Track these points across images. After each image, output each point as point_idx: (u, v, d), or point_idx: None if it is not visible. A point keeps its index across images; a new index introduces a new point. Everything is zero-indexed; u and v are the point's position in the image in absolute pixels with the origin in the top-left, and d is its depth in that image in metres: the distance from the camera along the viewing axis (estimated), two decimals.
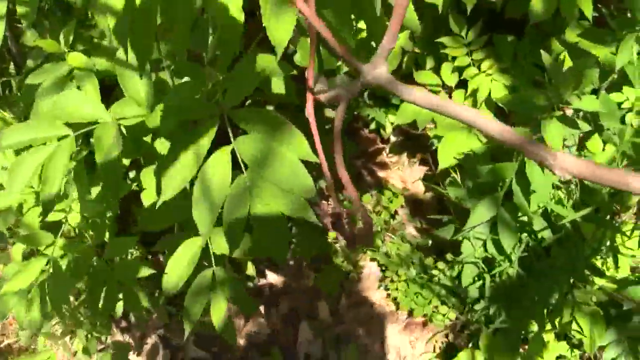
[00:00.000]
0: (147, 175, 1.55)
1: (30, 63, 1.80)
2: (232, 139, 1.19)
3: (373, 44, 1.27)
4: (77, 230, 1.64)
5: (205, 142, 1.18)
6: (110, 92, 1.63)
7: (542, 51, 1.55)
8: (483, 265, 1.86)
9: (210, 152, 1.19)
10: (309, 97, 1.00)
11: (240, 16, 1.06)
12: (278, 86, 1.46)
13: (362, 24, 1.25)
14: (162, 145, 1.51)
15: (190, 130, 1.26)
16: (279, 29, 1.08)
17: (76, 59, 1.56)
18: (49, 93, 1.57)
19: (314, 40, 0.95)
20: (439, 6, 1.63)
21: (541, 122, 1.49)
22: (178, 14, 1.05)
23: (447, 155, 1.93)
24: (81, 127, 1.33)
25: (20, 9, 1.58)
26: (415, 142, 2.39)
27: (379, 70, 0.73)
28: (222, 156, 1.18)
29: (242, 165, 1.18)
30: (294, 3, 0.73)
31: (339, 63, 1.54)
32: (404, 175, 2.42)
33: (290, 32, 1.08)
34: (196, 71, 1.34)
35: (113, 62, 1.47)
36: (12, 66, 2.16)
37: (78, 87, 1.57)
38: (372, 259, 2.28)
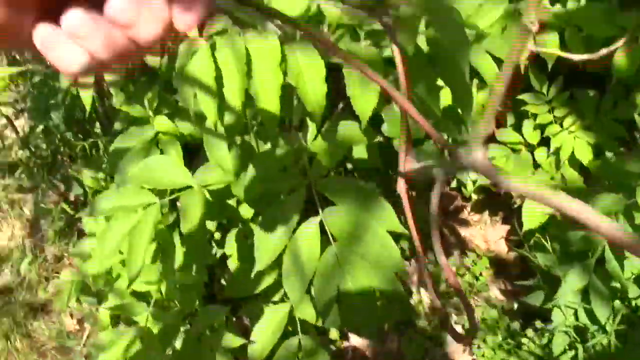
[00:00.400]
0: (232, 240, 1.55)
1: (117, 125, 1.84)
2: (319, 210, 1.19)
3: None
4: (166, 297, 1.65)
5: (295, 214, 1.18)
6: (192, 153, 1.65)
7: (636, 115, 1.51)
8: (575, 335, 1.79)
9: (298, 222, 1.19)
10: (401, 175, 0.99)
11: (324, 87, 1.06)
12: (360, 151, 1.45)
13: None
14: (246, 210, 1.52)
15: (276, 197, 1.26)
16: (364, 99, 1.08)
17: (162, 124, 1.59)
18: (135, 157, 1.60)
19: (405, 117, 0.94)
20: (520, 65, 1.60)
21: (637, 189, 1.44)
22: (267, 85, 1.05)
23: (532, 217, 1.88)
24: (167, 193, 1.35)
25: (107, 75, 1.63)
26: (497, 200, 2.35)
27: (475, 155, 0.71)
28: (311, 228, 1.18)
29: (331, 238, 1.17)
30: (383, 88, 0.72)
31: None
32: (486, 234, 2.37)
33: (375, 102, 1.08)
34: (282, 139, 1.34)
35: (198, 128, 1.49)
36: (97, 126, 2.22)
37: (161, 151, 1.59)
38: (457, 323, 2.23)
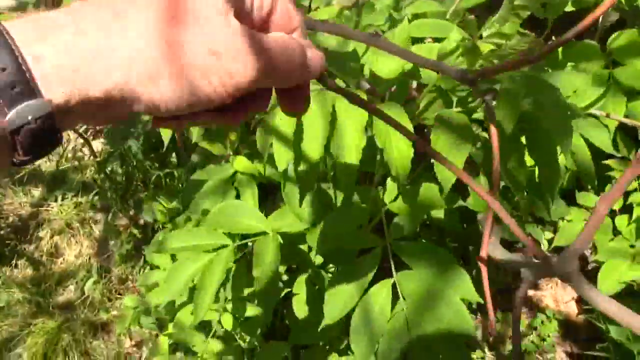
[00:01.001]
0: (300, 284, 1.54)
1: (194, 158, 1.85)
2: (394, 272, 1.17)
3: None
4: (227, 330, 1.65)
5: (369, 274, 1.16)
6: (265, 191, 1.65)
7: None
8: None
9: (371, 281, 1.17)
10: (482, 262, 0.97)
11: (410, 152, 1.03)
12: (438, 212, 1.42)
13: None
14: (317, 256, 1.50)
15: (350, 253, 1.25)
16: (446, 169, 1.05)
17: (241, 163, 1.59)
18: (211, 194, 1.60)
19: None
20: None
21: None
22: (348, 146, 1.04)
23: (608, 283, 1.82)
24: (239, 237, 1.35)
25: None
26: None
27: (568, 266, 0.71)
28: (383, 289, 1.16)
29: (403, 301, 1.15)
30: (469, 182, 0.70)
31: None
32: (556, 294, 2.31)
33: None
34: (361, 195, 1.32)
35: (278, 173, 1.49)
36: (174, 156, 2.24)
37: (237, 191, 1.60)
38: None
